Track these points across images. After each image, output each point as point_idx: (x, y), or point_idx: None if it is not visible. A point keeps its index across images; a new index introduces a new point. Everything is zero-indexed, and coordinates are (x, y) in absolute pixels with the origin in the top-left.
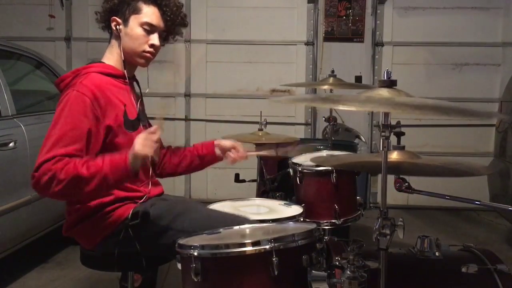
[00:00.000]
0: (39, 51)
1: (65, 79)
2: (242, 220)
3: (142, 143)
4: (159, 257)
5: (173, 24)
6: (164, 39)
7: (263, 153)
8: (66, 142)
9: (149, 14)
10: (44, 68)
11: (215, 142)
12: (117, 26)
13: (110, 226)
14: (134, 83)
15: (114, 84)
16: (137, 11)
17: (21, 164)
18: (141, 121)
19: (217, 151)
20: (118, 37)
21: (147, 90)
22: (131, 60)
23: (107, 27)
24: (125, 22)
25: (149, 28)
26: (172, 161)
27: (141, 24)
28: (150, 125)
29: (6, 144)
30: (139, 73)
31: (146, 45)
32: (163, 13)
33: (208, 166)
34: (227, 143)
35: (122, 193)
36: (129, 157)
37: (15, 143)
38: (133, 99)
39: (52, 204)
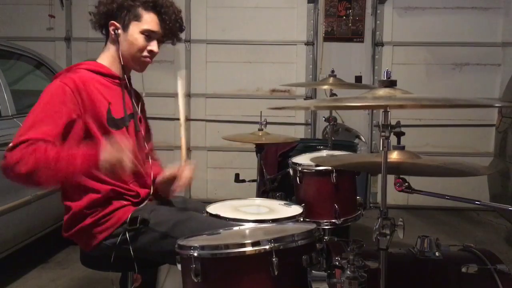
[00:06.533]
0: (39, 51)
1: (59, 76)
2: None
3: (109, 151)
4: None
5: (171, 31)
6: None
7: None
8: (41, 127)
9: (149, 21)
10: (44, 68)
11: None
12: (116, 31)
13: (108, 229)
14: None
15: (102, 83)
16: (137, 18)
17: None
18: (127, 122)
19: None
20: (115, 41)
21: (143, 94)
22: (128, 65)
23: (101, 28)
24: (125, 27)
25: (149, 35)
26: None
27: (141, 31)
28: (146, 124)
29: (6, 144)
30: (136, 74)
31: (145, 51)
32: (161, 20)
33: None
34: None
35: (117, 189)
36: (101, 155)
37: None
38: (123, 99)
39: (52, 204)
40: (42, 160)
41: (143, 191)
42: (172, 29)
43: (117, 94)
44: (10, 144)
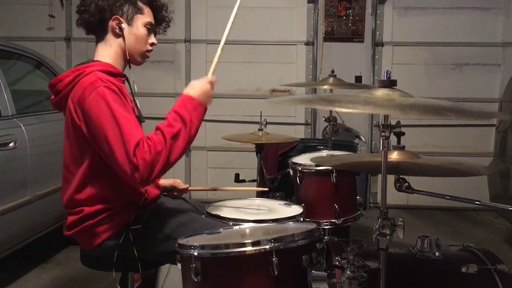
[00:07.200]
0: (39, 51)
1: (64, 79)
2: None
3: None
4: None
5: (161, 26)
6: None
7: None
8: (135, 128)
9: (149, 14)
10: (44, 68)
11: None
12: (120, 25)
13: (112, 229)
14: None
15: (114, 82)
16: (140, 11)
17: (21, 164)
18: (143, 118)
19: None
20: (118, 36)
21: (135, 89)
22: (131, 59)
23: (97, 24)
24: (129, 21)
25: (150, 28)
26: None
27: (145, 24)
28: None
29: (6, 144)
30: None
31: (148, 45)
32: (154, 14)
33: None
34: (165, 183)
35: (123, 198)
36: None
37: (15, 143)
38: (133, 97)
39: (52, 204)
40: (167, 137)
41: (153, 191)
42: (161, 24)
43: (127, 92)
44: (125, 161)
